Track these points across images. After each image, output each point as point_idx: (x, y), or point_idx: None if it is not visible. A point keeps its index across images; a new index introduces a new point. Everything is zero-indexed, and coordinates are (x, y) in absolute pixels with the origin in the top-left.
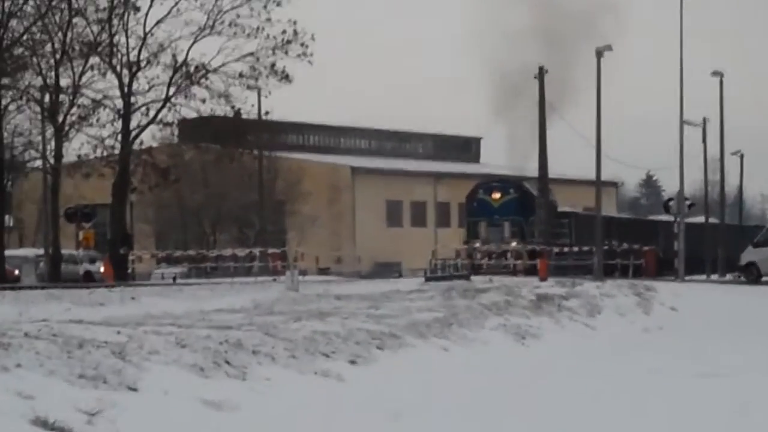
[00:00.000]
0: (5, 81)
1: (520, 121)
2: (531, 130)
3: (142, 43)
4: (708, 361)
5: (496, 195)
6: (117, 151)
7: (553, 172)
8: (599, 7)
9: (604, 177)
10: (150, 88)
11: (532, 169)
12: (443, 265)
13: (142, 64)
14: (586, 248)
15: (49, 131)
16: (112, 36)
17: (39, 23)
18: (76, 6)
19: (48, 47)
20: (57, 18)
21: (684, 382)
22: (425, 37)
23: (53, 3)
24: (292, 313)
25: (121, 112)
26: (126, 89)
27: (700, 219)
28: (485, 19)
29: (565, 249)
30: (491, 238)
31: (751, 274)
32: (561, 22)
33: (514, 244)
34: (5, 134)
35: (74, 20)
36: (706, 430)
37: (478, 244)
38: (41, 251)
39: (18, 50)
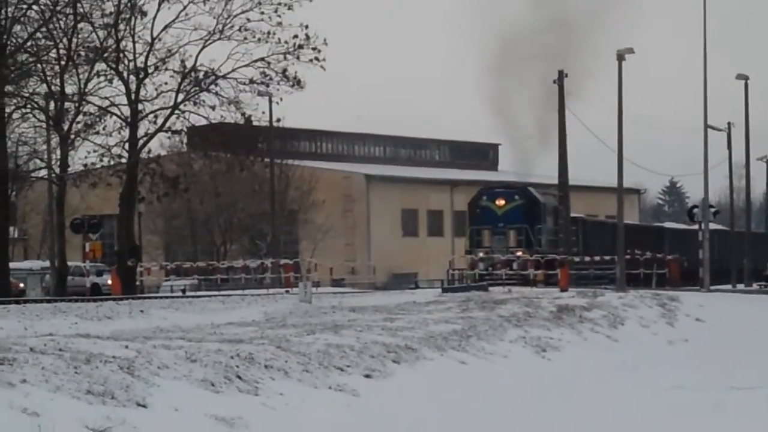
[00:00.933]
0: (9, 88)
1: (524, 121)
2: (538, 131)
3: (150, 49)
4: (737, 374)
5: (501, 202)
6: (124, 160)
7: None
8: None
9: (625, 183)
10: (158, 95)
11: (538, 173)
12: (461, 275)
13: (150, 71)
14: (607, 257)
15: (55, 140)
16: (118, 41)
17: (43, 29)
18: (81, 11)
19: (53, 53)
20: (62, 23)
21: (713, 396)
22: (423, 33)
23: (58, 8)
24: (305, 326)
25: (129, 119)
26: (133, 96)
27: (718, 226)
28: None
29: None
30: (495, 247)
31: None
32: (571, 14)
33: (519, 253)
34: (9, 143)
35: (79, 25)
36: None
37: (481, 254)
38: (47, 263)
39: (22, 56)
